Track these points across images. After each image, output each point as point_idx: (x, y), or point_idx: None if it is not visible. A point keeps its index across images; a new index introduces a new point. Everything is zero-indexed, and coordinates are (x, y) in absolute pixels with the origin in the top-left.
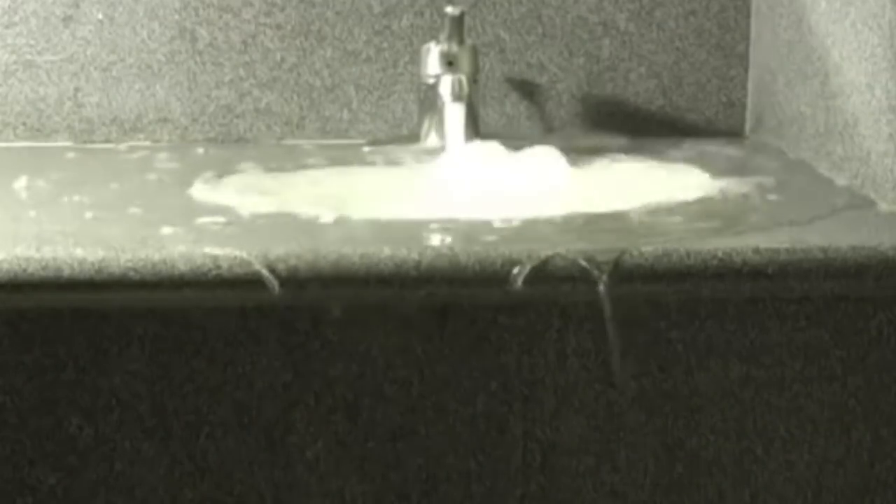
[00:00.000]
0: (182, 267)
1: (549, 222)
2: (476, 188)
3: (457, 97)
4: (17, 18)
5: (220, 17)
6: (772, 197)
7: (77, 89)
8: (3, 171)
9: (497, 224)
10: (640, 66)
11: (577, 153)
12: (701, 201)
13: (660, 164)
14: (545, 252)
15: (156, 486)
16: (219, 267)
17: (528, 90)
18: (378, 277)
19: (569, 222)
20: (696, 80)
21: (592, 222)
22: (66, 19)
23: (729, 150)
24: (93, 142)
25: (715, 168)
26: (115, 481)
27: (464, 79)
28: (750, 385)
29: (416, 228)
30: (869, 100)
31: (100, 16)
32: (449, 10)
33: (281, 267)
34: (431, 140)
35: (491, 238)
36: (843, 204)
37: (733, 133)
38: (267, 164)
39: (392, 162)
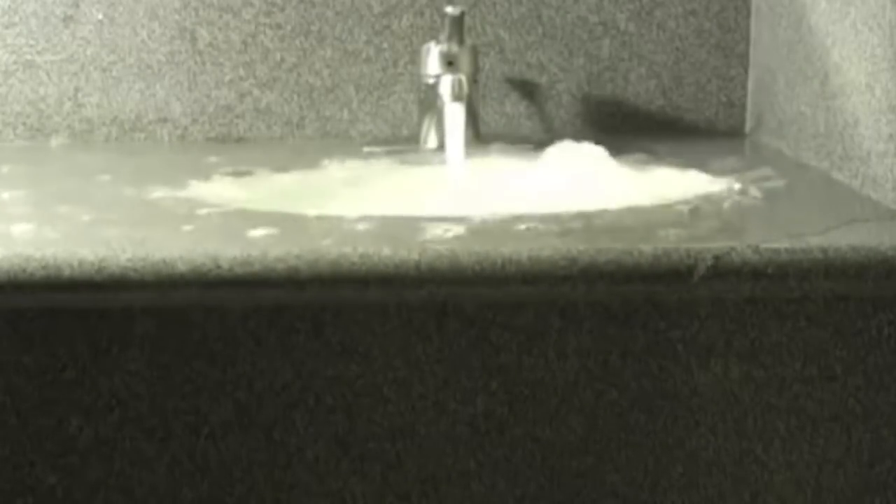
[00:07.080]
0: (182, 267)
1: (548, 222)
2: (475, 188)
3: (457, 97)
4: (17, 18)
5: (220, 17)
6: (771, 197)
7: (77, 89)
8: (2, 170)
9: (496, 224)
10: (640, 66)
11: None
12: (700, 201)
13: (659, 164)
14: (545, 252)
15: (156, 486)
16: (219, 267)
17: (528, 90)
18: (378, 277)
19: (567, 222)
20: (696, 80)
21: (591, 222)
22: (66, 19)
23: (729, 150)
24: (93, 141)
25: (714, 168)
26: (115, 481)
27: (464, 79)
28: (750, 385)
29: (417, 228)
30: (869, 100)
31: (100, 16)
32: (449, 10)
33: (281, 267)
34: (431, 140)
35: (491, 238)
36: (844, 205)
37: (733, 133)
38: (266, 164)
39: (392, 161)
